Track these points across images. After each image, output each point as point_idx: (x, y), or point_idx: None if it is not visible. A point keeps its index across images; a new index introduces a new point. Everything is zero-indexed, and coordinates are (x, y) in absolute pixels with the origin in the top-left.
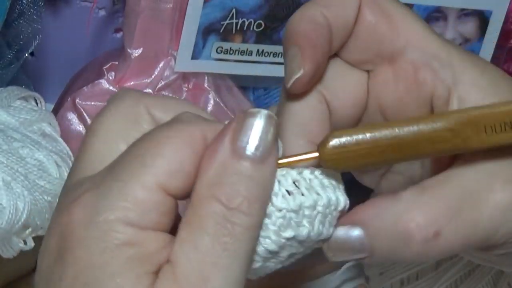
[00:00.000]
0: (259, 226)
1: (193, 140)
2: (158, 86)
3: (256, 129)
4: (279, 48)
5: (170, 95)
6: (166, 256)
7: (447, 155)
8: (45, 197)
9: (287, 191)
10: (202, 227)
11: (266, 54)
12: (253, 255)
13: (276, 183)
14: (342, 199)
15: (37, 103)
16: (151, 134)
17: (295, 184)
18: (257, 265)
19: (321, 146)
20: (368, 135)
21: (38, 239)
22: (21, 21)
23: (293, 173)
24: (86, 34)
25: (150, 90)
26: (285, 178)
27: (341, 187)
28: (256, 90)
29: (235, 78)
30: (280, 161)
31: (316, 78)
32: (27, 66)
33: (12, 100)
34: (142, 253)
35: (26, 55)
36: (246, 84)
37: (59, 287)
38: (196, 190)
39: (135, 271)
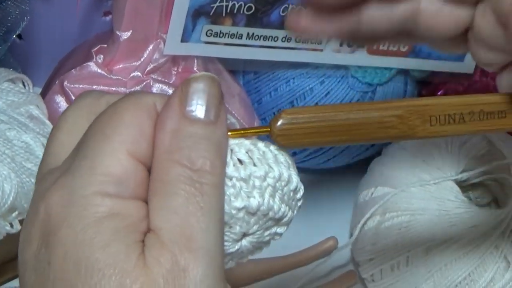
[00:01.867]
0: (223, 184)
1: (147, 106)
2: (147, 69)
3: (203, 92)
4: (269, 32)
5: (159, 78)
6: (147, 226)
7: (395, 141)
8: (32, 180)
9: (239, 160)
10: (173, 191)
11: (257, 37)
12: (223, 217)
13: (229, 152)
14: (295, 179)
15: (24, 86)
16: (106, 110)
17: (248, 154)
18: None
19: (273, 121)
20: (318, 115)
21: (22, 219)
22: (9, 2)
23: (247, 143)
24: (75, 17)
25: (139, 73)
26: (238, 147)
27: (295, 169)
28: (246, 74)
29: (225, 61)
30: (231, 133)
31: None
32: (16, 49)
33: None
34: (127, 223)
35: (14, 36)
36: (236, 68)
37: (50, 272)
38: (156, 160)
39: (124, 241)
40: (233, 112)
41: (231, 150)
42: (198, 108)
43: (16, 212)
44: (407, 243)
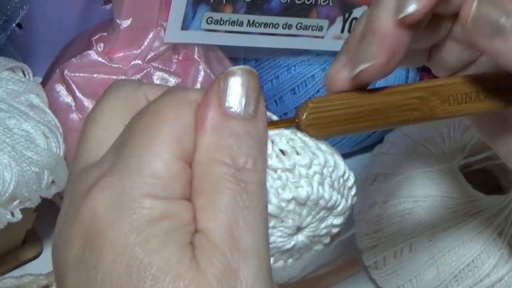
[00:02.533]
0: (265, 181)
1: (190, 104)
2: (148, 57)
3: (241, 86)
4: (270, 19)
5: (160, 66)
6: (195, 227)
7: (417, 123)
8: (33, 168)
9: (281, 151)
10: (218, 190)
11: (257, 24)
12: (267, 216)
13: (270, 144)
14: (342, 165)
15: (24, 75)
16: (148, 107)
17: (290, 144)
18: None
19: (300, 112)
20: (343, 102)
21: (25, 211)
22: None
23: (287, 133)
24: (74, 6)
25: (139, 61)
26: (279, 138)
27: (340, 155)
28: (247, 62)
29: (225, 49)
30: None
31: (387, 71)
32: (16, 39)
33: None
34: (178, 224)
35: (14, 26)
36: (237, 55)
37: (96, 275)
38: (197, 160)
39: (176, 243)
40: None
41: (272, 142)
42: (237, 104)
43: (17, 201)
44: (410, 229)
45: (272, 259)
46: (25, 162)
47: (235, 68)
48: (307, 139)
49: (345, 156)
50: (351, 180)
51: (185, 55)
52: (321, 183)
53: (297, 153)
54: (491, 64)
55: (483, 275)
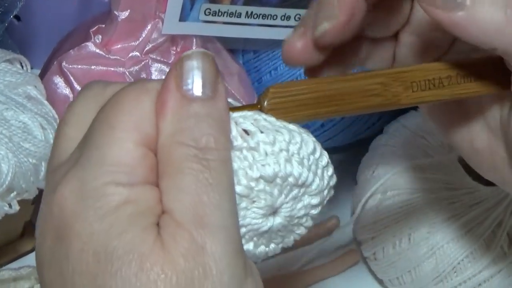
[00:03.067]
0: (230, 158)
1: (148, 92)
2: (146, 49)
3: (197, 69)
4: (268, 10)
5: (158, 58)
6: (161, 209)
7: (381, 110)
8: (30, 160)
9: (245, 131)
10: (181, 171)
11: (255, 16)
12: (234, 190)
13: (234, 125)
14: (311, 142)
15: (22, 67)
16: (109, 100)
17: (254, 124)
18: (242, 231)
19: (261, 98)
20: (304, 87)
21: (23, 203)
22: None
23: (251, 113)
24: None
25: (137, 53)
26: (243, 119)
27: (310, 134)
28: (245, 53)
29: (224, 40)
30: None
31: (347, 32)
32: (14, 31)
33: None
34: (141, 208)
35: (11, 17)
36: (235, 47)
37: (68, 266)
38: (160, 144)
39: (140, 225)
40: (233, 92)
41: (235, 123)
42: (195, 86)
43: (14, 193)
44: (409, 221)
45: (251, 244)
46: (22, 153)
47: (189, 52)
48: (272, 119)
49: (344, 148)
50: (325, 159)
51: (183, 46)
52: (288, 160)
53: (261, 132)
54: (455, 52)
55: (482, 267)
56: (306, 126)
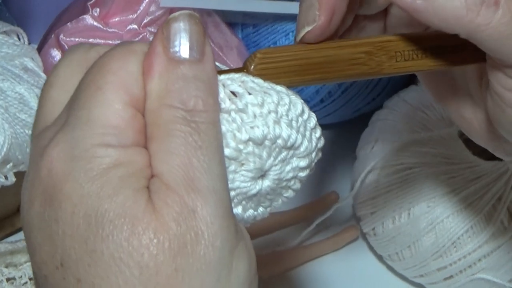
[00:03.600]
0: (218, 121)
1: (135, 53)
2: (144, 22)
3: (184, 31)
4: None
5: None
6: (150, 172)
7: (365, 78)
8: (26, 131)
9: (232, 93)
10: (169, 133)
11: None
12: (223, 153)
13: (221, 87)
14: (299, 104)
15: (19, 39)
16: (96, 61)
17: (242, 86)
18: (231, 194)
19: (248, 62)
20: (290, 54)
21: (20, 175)
22: None
23: (238, 75)
24: None
25: (135, 26)
26: (230, 81)
27: (298, 96)
28: (245, 28)
29: (223, 14)
30: None
31: (328, 32)
32: (12, 6)
33: None
34: (132, 170)
35: None
36: (234, 21)
37: (58, 229)
38: (148, 107)
39: (131, 187)
40: (232, 65)
41: (223, 85)
42: (182, 48)
43: (11, 164)
44: (408, 196)
45: (240, 207)
46: (18, 124)
47: (176, 13)
48: (259, 81)
49: (343, 123)
50: (313, 121)
51: None
52: (277, 122)
53: (249, 94)
54: None
55: (482, 242)
56: (305, 100)
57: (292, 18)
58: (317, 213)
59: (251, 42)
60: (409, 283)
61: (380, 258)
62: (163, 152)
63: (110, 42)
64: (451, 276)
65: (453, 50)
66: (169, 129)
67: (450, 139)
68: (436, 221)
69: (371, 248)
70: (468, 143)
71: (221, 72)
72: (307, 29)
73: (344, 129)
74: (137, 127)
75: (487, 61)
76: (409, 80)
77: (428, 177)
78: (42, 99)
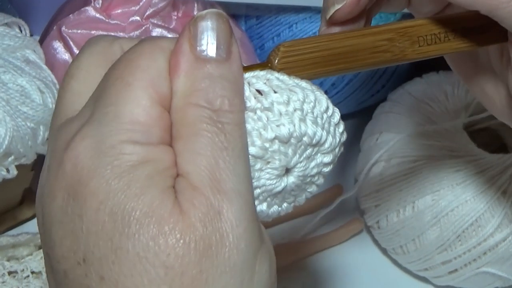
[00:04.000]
0: (244, 121)
1: (163, 50)
2: (147, 13)
3: (211, 29)
4: None
5: (159, 23)
6: (176, 171)
7: (389, 64)
8: (28, 124)
9: (258, 91)
10: (195, 133)
11: None
12: (248, 154)
13: (247, 86)
14: (324, 100)
15: (21, 30)
16: (123, 56)
17: (267, 84)
18: (256, 192)
19: (272, 56)
20: (314, 45)
21: (22, 170)
22: None
23: (263, 73)
24: None
25: (138, 18)
26: (255, 79)
27: (322, 92)
28: (248, 20)
29: (226, 6)
30: None
31: (358, 9)
32: None
33: None
34: (159, 169)
35: None
36: (237, 12)
37: (82, 225)
38: (174, 106)
39: (158, 187)
40: None
41: (248, 83)
42: (209, 47)
43: (12, 157)
44: (413, 188)
45: (265, 204)
46: (20, 117)
47: (204, 12)
48: (284, 77)
49: (348, 116)
50: (337, 116)
51: (184, 11)
52: (303, 120)
53: (274, 92)
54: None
55: (487, 235)
56: None
57: (295, 9)
58: (321, 206)
59: (254, 34)
60: (413, 277)
61: (384, 251)
62: (189, 152)
63: (112, 34)
64: (456, 270)
65: (475, 31)
66: (195, 129)
67: (455, 132)
68: (440, 214)
69: (375, 241)
70: (473, 135)
71: (246, 68)
72: (337, 6)
73: (348, 122)
74: (164, 126)
75: (509, 38)
76: (413, 72)
77: (432, 170)
78: (62, 90)
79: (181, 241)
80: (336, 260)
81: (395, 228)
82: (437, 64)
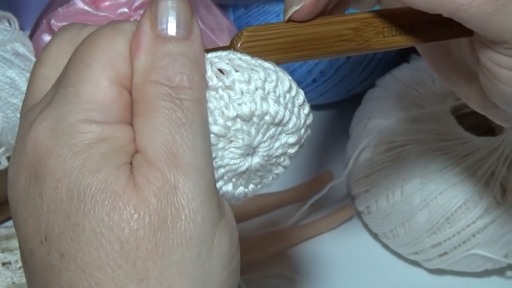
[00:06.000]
0: (204, 98)
1: (123, 31)
2: (135, 5)
3: (171, 9)
4: None
5: None
6: (134, 148)
7: (353, 54)
8: (17, 115)
9: (220, 70)
10: (153, 109)
11: None
12: (208, 130)
13: (209, 65)
14: (287, 80)
15: (10, 24)
16: (84, 40)
17: (229, 64)
18: (220, 171)
19: (235, 40)
20: (278, 31)
21: None
22: None
23: (225, 53)
24: None
25: (126, 9)
26: (218, 59)
27: (286, 73)
28: (236, 10)
29: None
30: None
31: (317, 10)
32: None
33: None
34: (114, 146)
35: None
36: (225, 2)
37: (42, 204)
38: (134, 84)
39: (113, 163)
40: None
41: (211, 63)
42: (169, 26)
43: (3, 148)
44: (401, 173)
45: (230, 185)
46: (9, 109)
47: None
48: (247, 57)
49: (336, 103)
50: (301, 97)
51: None
52: (264, 98)
53: (236, 71)
54: None
55: (476, 217)
56: (297, 80)
57: None
58: (311, 192)
59: (242, 24)
60: (404, 261)
61: (375, 236)
62: (147, 128)
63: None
64: (446, 253)
65: (441, 24)
66: (153, 105)
67: (442, 116)
68: (429, 198)
69: (366, 226)
70: (461, 119)
71: (209, 50)
72: (295, 8)
73: (337, 109)
74: (122, 104)
75: (475, 36)
76: (401, 58)
77: (420, 154)
78: (32, 77)
79: (135, 215)
80: (328, 246)
81: (385, 213)
82: None
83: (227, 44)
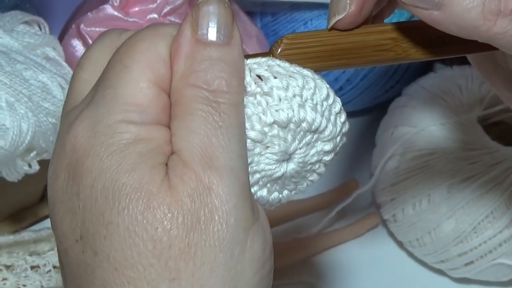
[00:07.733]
0: (242, 102)
1: (163, 34)
2: (164, 11)
3: (213, 14)
4: None
5: (177, 20)
6: (170, 150)
7: (391, 63)
8: (49, 119)
9: (258, 76)
10: (190, 112)
11: None
12: (245, 134)
13: (248, 71)
14: (325, 88)
15: (40, 28)
16: (124, 42)
17: (268, 70)
18: (256, 176)
19: (274, 47)
20: (317, 39)
21: (43, 163)
22: None
23: (265, 59)
24: None
25: (155, 15)
26: (257, 65)
27: (324, 81)
28: (263, 17)
29: (242, 2)
30: None
31: (360, 20)
32: None
33: (15, 24)
34: (151, 147)
35: None
36: (253, 9)
37: (79, 203)
38: (173, 87)
39: (149, 163)
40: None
41: (250, 69)
42: (210, 31)
43: (34, 152)
44: (428, 181)
45: (265, 190)
46: (41, 113)
47: None
48: (286, 64)
49: (362, 111)
50: (338, 105)
51: None
52: (302, 105)
53: (274, 77)
54: None
55: (502, 227)
56: None
57: (310, 6)
58: (337, 200)
59: (270, 31)
60: (429, 269)
61: (400, 244)
62: (183, 130)
63: None
64: (472, 262)
65: None
66: (190, 108)
67: (469, 125)
68: (456, 207)
69: (391, 234)
70: (488, 128)
71: (248, 56)
72: (338, 17)
73: (363, 117)
74: (160, 106)
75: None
76: (427, 67)
77: (447, 163)
78: (72, 80)
79: (169, 215)
80: (353, 254)
81: (411, 221)
82: (449, 60)
83: (256, 51)
